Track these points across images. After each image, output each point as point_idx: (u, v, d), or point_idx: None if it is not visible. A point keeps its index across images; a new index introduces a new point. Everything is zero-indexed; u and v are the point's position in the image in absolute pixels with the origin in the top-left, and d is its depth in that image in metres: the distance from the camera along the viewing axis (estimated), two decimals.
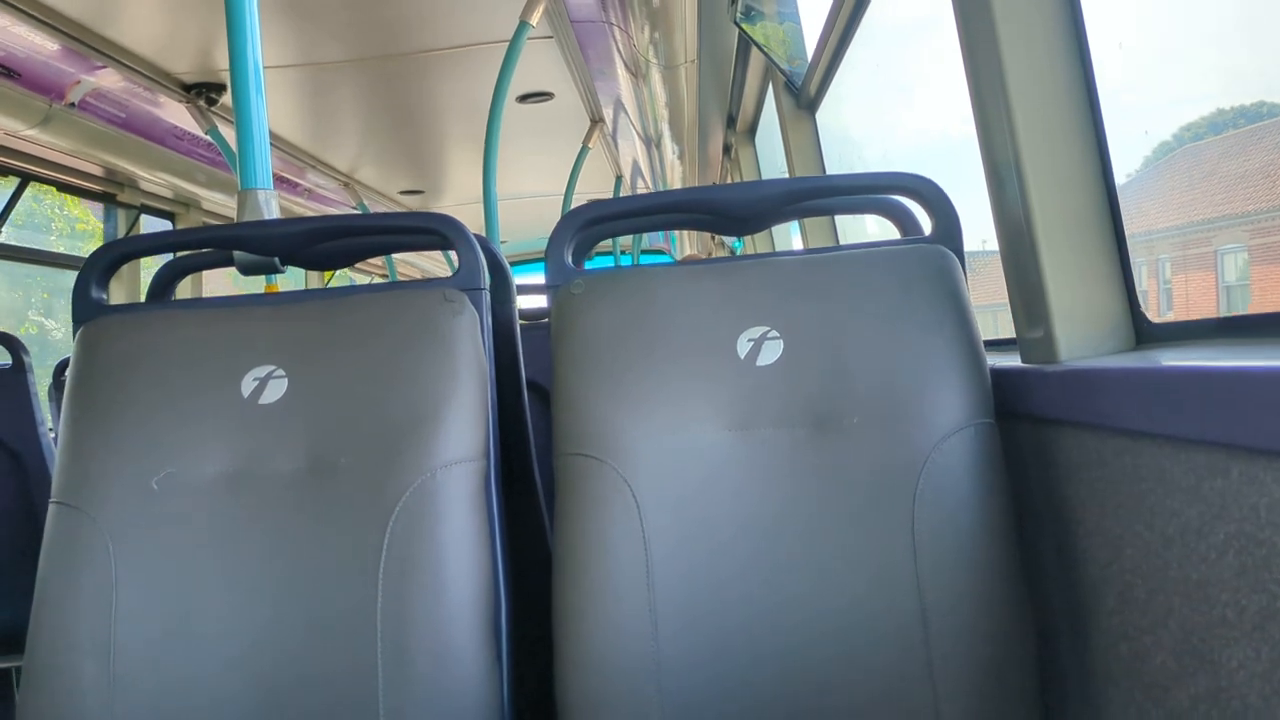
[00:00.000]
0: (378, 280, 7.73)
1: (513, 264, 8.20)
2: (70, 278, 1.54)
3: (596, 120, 4.78)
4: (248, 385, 1.31)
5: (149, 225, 4.78)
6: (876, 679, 1.20)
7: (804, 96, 3.22)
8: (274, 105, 3.99)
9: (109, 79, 3.39)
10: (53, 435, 2.98)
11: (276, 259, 1.46)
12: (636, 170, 6.59)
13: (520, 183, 5.88)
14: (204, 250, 1.65)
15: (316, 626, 1.22)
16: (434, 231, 1.42)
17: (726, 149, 5.67)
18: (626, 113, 4.86)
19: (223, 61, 3.45)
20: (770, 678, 1.21)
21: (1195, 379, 0.88)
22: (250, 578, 1.24)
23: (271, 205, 1.52)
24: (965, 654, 1.18)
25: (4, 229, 3.98)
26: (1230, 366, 0.83)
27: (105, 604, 1.23)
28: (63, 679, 1.21)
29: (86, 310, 1.41)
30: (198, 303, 1.45)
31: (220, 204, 4.97)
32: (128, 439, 1.29)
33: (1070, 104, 1.28)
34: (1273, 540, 0.80)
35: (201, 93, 3.70)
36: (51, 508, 1.28)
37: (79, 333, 1.37)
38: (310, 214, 5.62)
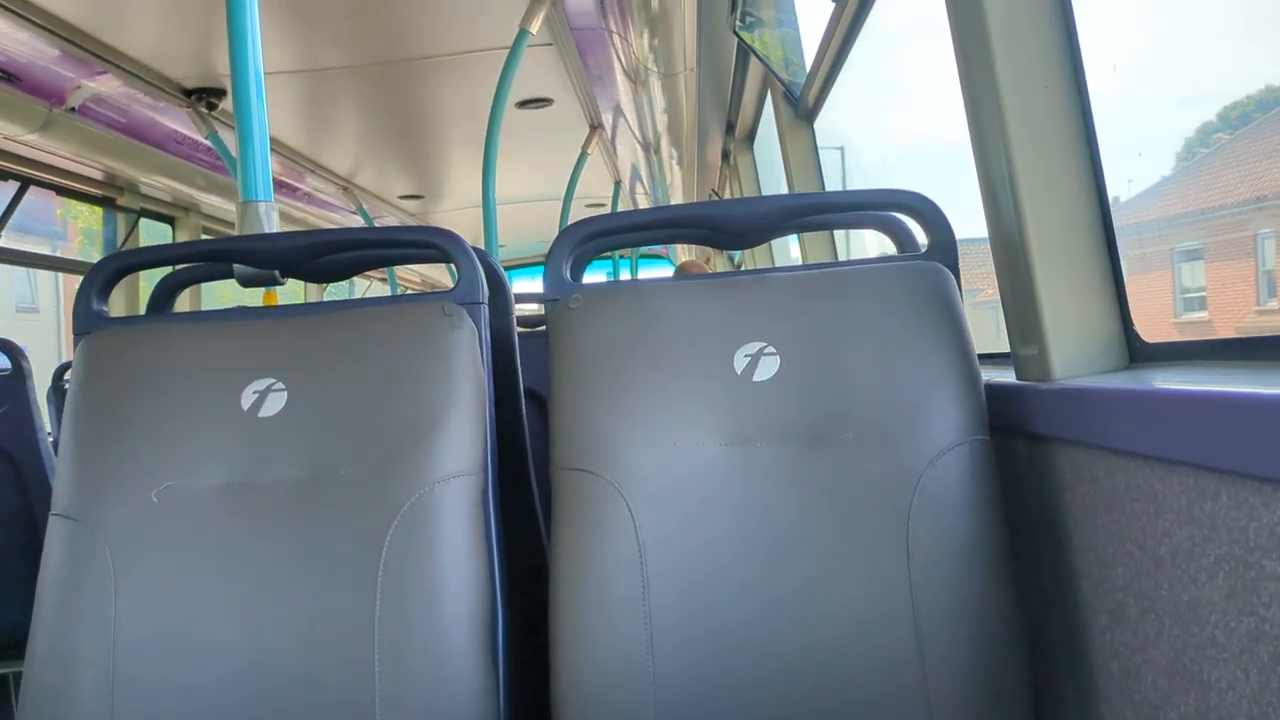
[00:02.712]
0: (378, 285, 7.74)
1: (511, 269, 8.22)
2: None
3: (596, 126, 4.79)
4: (247, 398, 1.32)
5: (148, 229, 4.78)
6: (871, 695, 1.21)
7: (802, 106, 3.23)
8: (275, 110, 3.98)
9: (109, 84, 3.40)
10: (51, 440, 2.98)
11: (277, 272, 1.47)
12: (635, 176, 6.60)
13: (519, 188, 5.88)
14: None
15: (314, 639, 1.22)
16: (433, 245, 1.42)
17: (725, 156, 5.68)
18: (626, 119, 4.86)
19: (223, 66, 3.45)
20: (766, 692, 1.22)
21: (1186, 402, 0.89)
22: (249, 590, 1.24)
23: (272, 217, 1.53)
24: (959, 670, 1.19)
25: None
26: (1220, 391, 0.84)
27: (105, 616, 1.23)
28: (62, 690, 1.22)
29: (87, 322, 1.41)
30: (198, 315, 1.46)
31: (219, 208, 4.97)
32: (128, 451, 1.29)
33: (1065, 123, 1.28)
34: (1261, 564, 0.81)
35: (202, 98, 3.70)
36: (52, 520, 1.28)
37: (79, 344, 1.37)
38: (310, 218, 5.64)
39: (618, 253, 7.65)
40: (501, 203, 3.64)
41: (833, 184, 3.49)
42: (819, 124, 3.32)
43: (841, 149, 3.55)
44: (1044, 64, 1.28)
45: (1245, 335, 1.11)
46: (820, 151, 3.38)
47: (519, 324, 2.46)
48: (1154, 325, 1.33)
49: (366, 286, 8.11)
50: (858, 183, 3.69)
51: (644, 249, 8.83)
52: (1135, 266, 2.03)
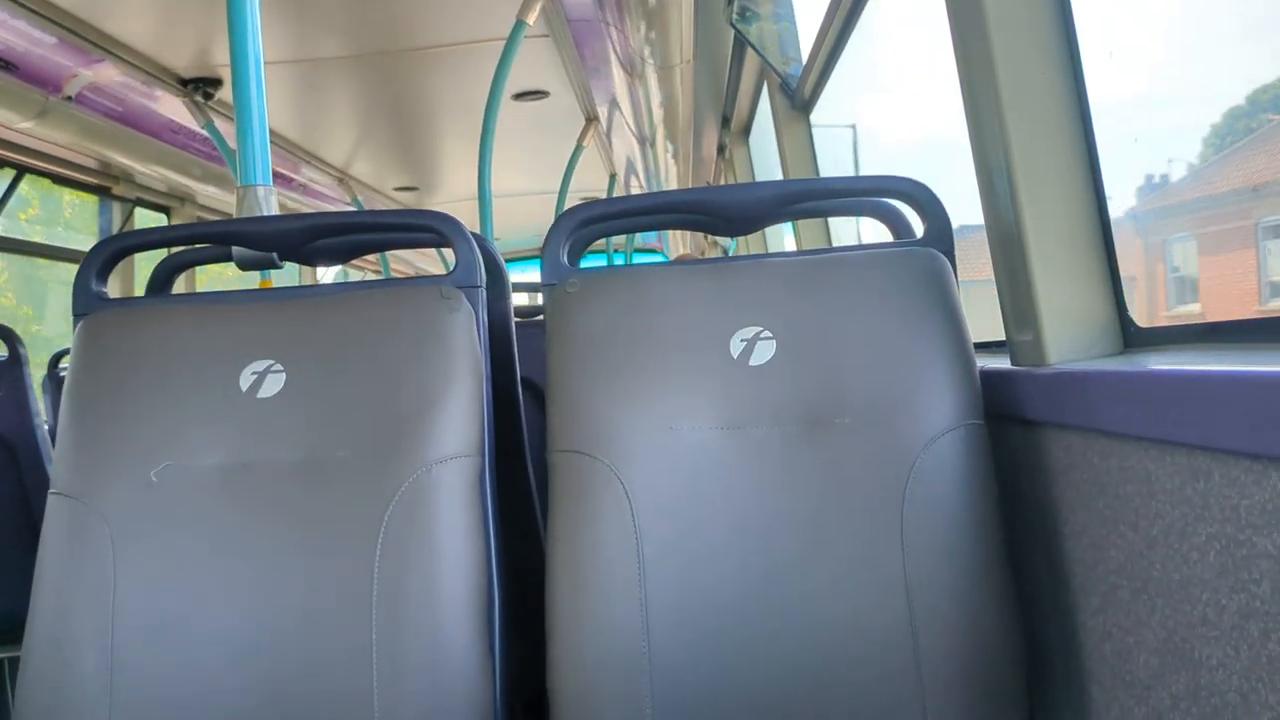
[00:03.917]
0: (370, 275, 7.74)
1: (506, 261, 8.23)
2: None
3: (591, 119, 4.80)
4: (246, 379, 1.32)
5: (143, 219, 4.79)
6: (865, 675, 1.22)
7: (799, 98, 3.23)
8: (270, 100, 3.98)
9: (106, 73, 3.39)
10: (47, 427, 2.98)
11: (275, 255, 1.47)
12: (630, 169, 6.60)
13: (514, 180, 5.89)
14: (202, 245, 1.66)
15: (312, 618, 1.23)
16: (432, 229, 1.43)
17: (721, 149, 5.68)
18: (621, 112, 4.87)
19: (220, 56, 3.46)
20: (761, 673, 1.23)
21: (1178, 383, 0.90)
22: (248, 569, 1.25)
23: (270, 201, 1.53)
24: (952, 652, 1.20)
25: None
26: (1211, 371, 0.85)
27: (105, 594, 1.24)
28: (62, 668, 1.22)
29: (87, 303, 1.42)
30: (197, 297, 1.46)
31: (214, 198, 4.97)
32: (127, 431, 1.30)
33: (1061, 109, 1.29)
34: (1252, 541, 0.82)
35: (198, 87, 3.70)
36: (51, 498, 1.29)
37: (79, 325, 1.38)
38: (304, 210, 5.64)
39: (612, 247, 7.65)
40: (496, 195, 3.65)
41: (845, 163, 3.48)
42: (821, 109, 3.31)
43: (853, 126, 3.53)
44: (1041, 52, 1.29)
45: (1240, 319, 1.12)
46: (830, 130, 3.37)
47: (514, 314, 2.47)
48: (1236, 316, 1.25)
49: (360, 276, 8.11)
50: (868, 164, 3.68)
51: (638, 243, 8.85)
52: (1208, 247, 1.85)
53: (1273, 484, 0.79)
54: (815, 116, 3.31)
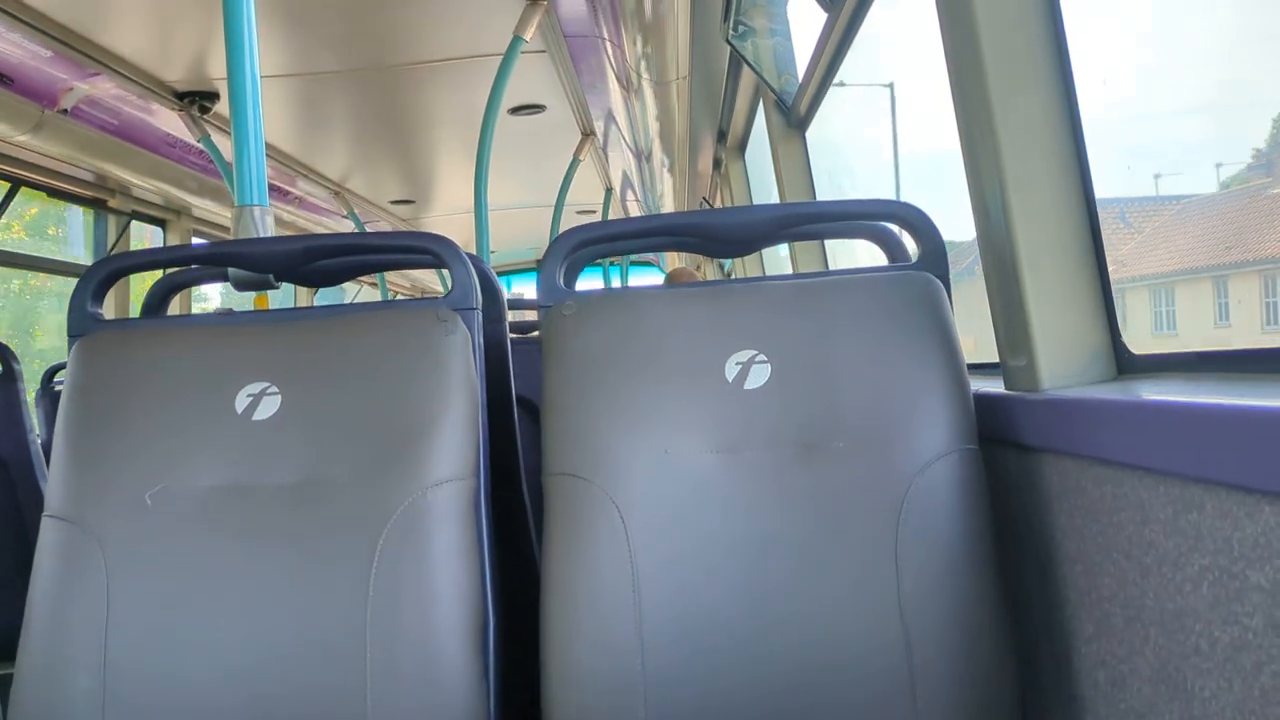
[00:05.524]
0: (367, 288, 7.73)
1: (502, 274, 8.24)
2: None
3: (588, 133, 4.81)
4: (241, 401, 1.32)
5: (138, 232, 4.78)
6: (860, 698, 1.21)
7: (794, 115, 3.24)
8: (268, 114, 3.98)
9: (102, 86, 3.40)
10: (40, 442, 2.98)
11: (271, 276, 1.47)
12: (627, 183, 6.61)
13: (511, 194, 5.89)
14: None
15: (307, 641, 1.23)
16: (428, 251, 1.43)
17: (717, 164, 5.69)
18: (617, 126, 4.88)
19: (217, 69, 3.46)
20: (756, 695, 1.23)
21: (1172, 413, 0.90)
22: (242, 592, 1.25)
23: (266, 222, 1.53)
24: (946, 678, 1.20)
25: None
26: (1206, 403, 0.85)
27: (98, 617, 1.24)
28: (54, 691, 1.22)
29: (82, 324, 1.42)
30: (192, 319, 1.46)
31: (211, 211, 4.97)
32: (122, 453, 1.30)
33: (1055, 136, 1.30)
34: (1245, 574, 0.82)
35: (194, 101, 3.71)
36: (45, 521, 1.29)
37: (74, 346, 1.38)
38: (301, 222, 5.64)
39: (608, 259, 7.66)
40: (493, 209, 3.65)
41: (883, 124, 3.41)
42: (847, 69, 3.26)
43: (891, 85, 3.47)
44: (1035, 78, 1.29)
45: (1235, 349, 1.12)
46: (866, 89, 3.30)
47: (510, 330, 2.47)
48: None
49: (356, 290, 8.11)
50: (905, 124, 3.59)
51: (633, 256, 8.86)
52: None
53: (1265, 518, 0.79)
54: (845, 75, 3.25)
